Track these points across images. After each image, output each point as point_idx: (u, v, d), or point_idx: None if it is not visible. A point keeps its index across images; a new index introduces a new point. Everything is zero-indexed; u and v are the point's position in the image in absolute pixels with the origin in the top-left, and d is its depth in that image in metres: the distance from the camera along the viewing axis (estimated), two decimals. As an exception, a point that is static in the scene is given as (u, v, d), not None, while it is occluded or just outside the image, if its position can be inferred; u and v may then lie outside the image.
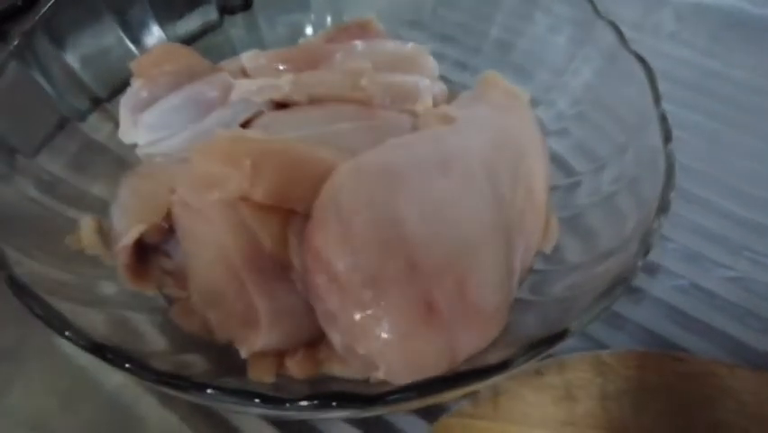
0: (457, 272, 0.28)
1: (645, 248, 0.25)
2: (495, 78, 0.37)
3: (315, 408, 0.22)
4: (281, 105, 0.37)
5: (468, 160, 0.31)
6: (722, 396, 0.32)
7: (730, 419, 0.32)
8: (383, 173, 0.29)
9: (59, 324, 0.24)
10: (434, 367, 0.27)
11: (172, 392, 0.24)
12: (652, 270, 0.39)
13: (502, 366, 0.22)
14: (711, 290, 0.38)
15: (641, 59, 0.32)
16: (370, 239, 0.27)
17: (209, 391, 0.23)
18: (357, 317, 0.27)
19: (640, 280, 0.38)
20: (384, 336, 0.27)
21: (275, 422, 0.33)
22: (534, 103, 0.38)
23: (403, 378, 0.27)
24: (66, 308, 0.26)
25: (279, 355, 0.30)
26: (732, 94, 0.49)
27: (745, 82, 0.49)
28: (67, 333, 0.24)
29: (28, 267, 0.27)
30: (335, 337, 0.28)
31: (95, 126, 0.38)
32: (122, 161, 0.37)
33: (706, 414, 0.32)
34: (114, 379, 0.34)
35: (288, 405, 0.21)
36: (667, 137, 0.29)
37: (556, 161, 0.38)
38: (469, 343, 0.28)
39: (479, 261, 0.29)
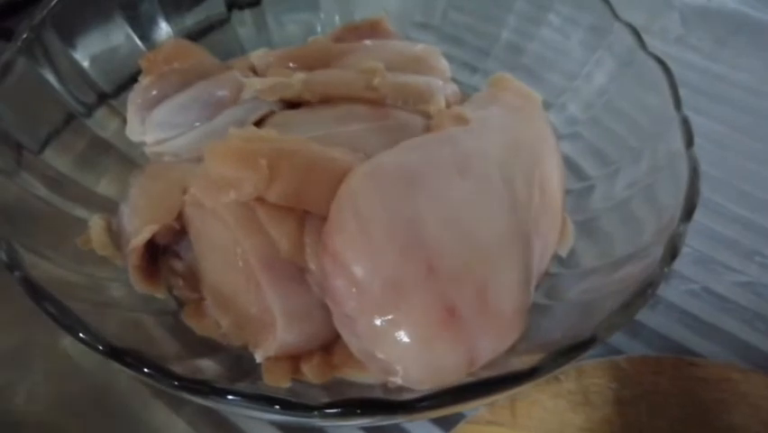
0: (476, 276, 0.28)
1: (672, 253, 0.25)
2: (507, 80, 0.37)
3: (340, 415, 0.22)
4: (292, 105, 0.36)
5: (484, 161, 0.31)
6: (736, 401, 0.32)
7: (744, 424, 0.32)
8: (400, 175, 0.28)
9: (75, 327, 0.23)
10: (453, 372, 0.27)
11: (189, 397, 0.23)
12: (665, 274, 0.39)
13: (533, 372, 0.22)
14: (722, 295, 0.38)
15: (661, 62, 0.32)
16: (389, 242, 0.27)
17: (230, 396, 0.22)
18: (376, 321, 0.26)
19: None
20: (403, 340, 0.26)
21: (284, 427, 0.33)
22: (546, 106, 0.38)
23: (422, 383, 0.27)
24: (77, 309, 0.25)
25: (294, 360, 0.30)
26: (739, 98, 0.49)
27: (752, 86, 0.49)
28: (83, 336, 0.23)
29: (40, 268, 0.26)
30: (353, 341, 0.28)
31: (101, 123, 0.37)
32: (129, 160, 0.36)
33: (720, 419, 0.32)
34: (121, 383, 0.34)
35: (315, 412, 0.21)
36: (689, 141, 0.29)
37: (569, 164, 0.38)
38: (488, 348, 0.28)
39: (498, 264, 0.29)
